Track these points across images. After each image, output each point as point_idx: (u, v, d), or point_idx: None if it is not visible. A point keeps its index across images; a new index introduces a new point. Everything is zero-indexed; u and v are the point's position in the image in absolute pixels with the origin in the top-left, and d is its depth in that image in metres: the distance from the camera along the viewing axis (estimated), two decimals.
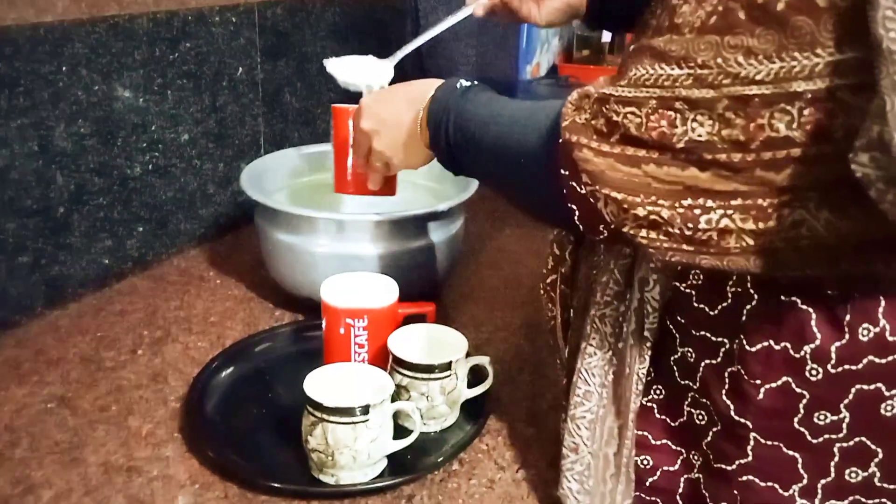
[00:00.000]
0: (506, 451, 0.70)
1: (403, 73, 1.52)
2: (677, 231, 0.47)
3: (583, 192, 0.50)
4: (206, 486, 0.64)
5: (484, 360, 0.73)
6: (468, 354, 0.73)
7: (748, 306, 0.51)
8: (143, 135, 0.96)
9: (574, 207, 0.52)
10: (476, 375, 0.74)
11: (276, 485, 0.63)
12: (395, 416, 0.67)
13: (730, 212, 0.45)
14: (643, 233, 0.48)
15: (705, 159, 0.45)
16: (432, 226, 0.89)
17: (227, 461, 0.66)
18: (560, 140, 0.51)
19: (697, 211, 0.46)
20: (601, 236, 0.52)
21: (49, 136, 0.85)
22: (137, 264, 0.99)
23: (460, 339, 0.73)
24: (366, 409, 0.62)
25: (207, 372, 0.77)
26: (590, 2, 0.88)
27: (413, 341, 0.74)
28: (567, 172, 0.51)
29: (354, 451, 0.62)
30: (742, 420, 0.52)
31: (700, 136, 0.45)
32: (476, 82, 0.66)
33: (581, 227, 0.52)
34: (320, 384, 0.64)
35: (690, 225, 0.46)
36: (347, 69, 0.87)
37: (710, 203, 0.46)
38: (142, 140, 0.96)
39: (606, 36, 1.94)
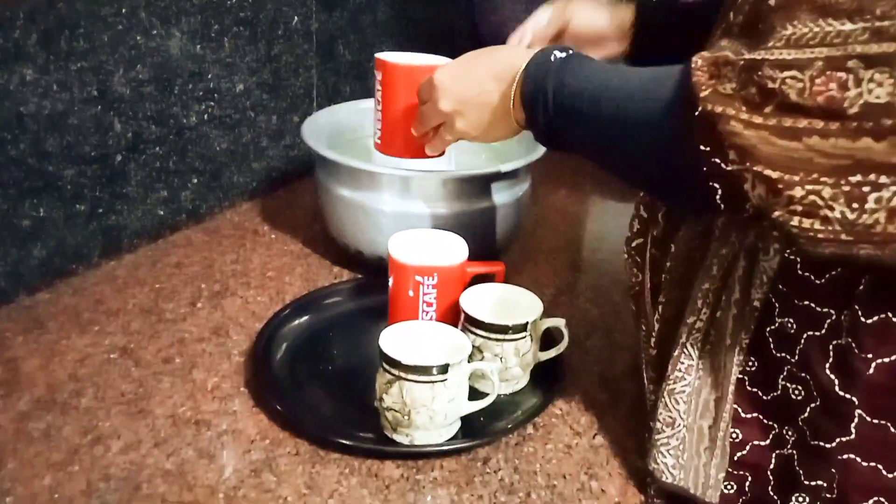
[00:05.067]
0: (580, 416, 0.68)
1: (454, 32, 1.49)
2: (838, 216, 0.43)
3: (728, 168, 0.46)
4: (276, 443, 0.62)
5: (559, 323, 0.70)
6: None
7: (867, 275, 0.47)
8: (200, 83, 0.93)
9: (716, 186, 0.47)
10: (546, 338, 0.72)
11: (349, 443, 0.61)
12: (469, 377, 0.65)
13: None
14: (795, 220, 0.44)
15: (884, 126, 0.40)
16: (500, 186, 0.86)
17: (296, 417, 0.64)
18: (697, 112, 0.46)
19: (867, 188, 0.42)
20: (744, 216, 0.47)
21: (107, 82, 0.82)
22: (191, 216, 0.97)
23: (534, 300, 0.71)
24: (444, 369, 0.60)
25: (270, 326, 0.75)
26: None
27: (485, 301, 0.71)
28: (708, 148, 0.46)
29: (431, 411, 0.60)
30: (847, 396, 0.49)
31: (878, 97, 0.40)
32: (571, 52, 0.60)
33: (723, 206, 0.48)
34: (395, 341, 0.62)
35: (856, 206, 0.42)
36: None
37: (882, 179, 0.41)
38: (198, 89, 0.93)
39: None
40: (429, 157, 0.77)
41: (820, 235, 0.44)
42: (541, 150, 0.87)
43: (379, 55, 0.77)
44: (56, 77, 0.77)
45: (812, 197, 0.43)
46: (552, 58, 0.60)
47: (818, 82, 0.42)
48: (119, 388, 0.67)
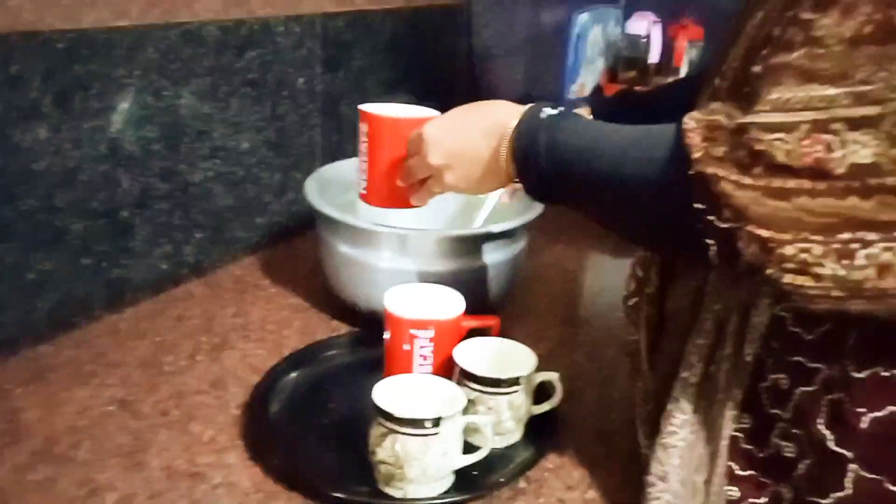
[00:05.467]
0: (573, 471, 0.68)
1: (455, 92, 1.53)
2: (829, 272, 0.44)
3: (723, 226, 0.47)
4: (270, 496, 0.63)
5: (553, 376, 0.71)
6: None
7: (855, 331, 0.48)
8: (207, 141, 0.96)
9: (711, 243, 0.49)
10: (540, 392, 0.72)
11: (343, 496, 0.62)
12: (462, 430, 0.66)
13: (893, 244, 0.42)
14: (788, 277, 0.45)
15: (870, 185, 0.42)
16: (496, 244, 0.88)
17: (291, 470, 0.64)
18: (691, 173, 0.48)
19: (855, 245, 0.43)
20: (738, 270, 0.49)
21: (118, 140, 0.85)
22: (193, 270, 0.99)
23: (528, 354, 0.72)
24: (437, 422, 0.61)
25: (268, 379, 0.76)
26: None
27: (480, 355, 0.72)
28: (704, 206, 0.48)
29: (425, 465, 0.61)
30: (842, 451, 0.49)
31: (864, 158, 0.42)
32: (562, 109, 0.62)
33: (717, 262, 0.49)
34: (389, 394, 0.63)
35: (846, 262, 0.43)
36: None
37: (870, 236, 0.43)
38: (205, 147, 0.96)
39: (654, 56, 1.92)
40: (414, 207, 0.78)
41: (812, 292, 0.45)
42: (538, 208, 0.89)
43: (363, 107, 0.78)
44: (69, 135, 0.80)
45: (803, 255, 0.44)
46: (542, 114, 0.61)
47: (804, 144, 0.43)
48: (116, 440, 0.68)
